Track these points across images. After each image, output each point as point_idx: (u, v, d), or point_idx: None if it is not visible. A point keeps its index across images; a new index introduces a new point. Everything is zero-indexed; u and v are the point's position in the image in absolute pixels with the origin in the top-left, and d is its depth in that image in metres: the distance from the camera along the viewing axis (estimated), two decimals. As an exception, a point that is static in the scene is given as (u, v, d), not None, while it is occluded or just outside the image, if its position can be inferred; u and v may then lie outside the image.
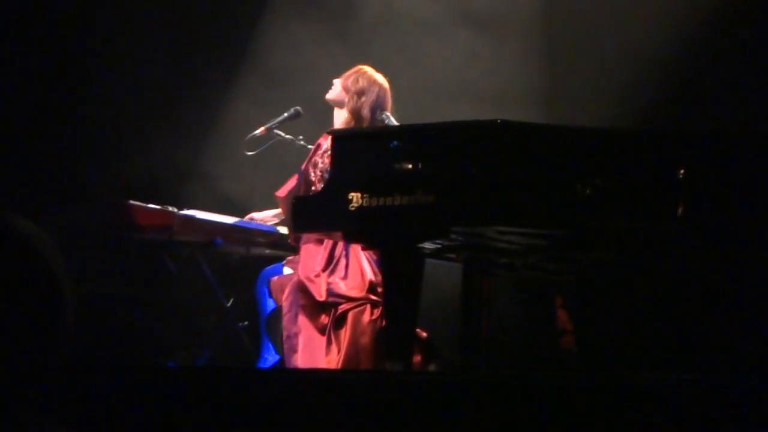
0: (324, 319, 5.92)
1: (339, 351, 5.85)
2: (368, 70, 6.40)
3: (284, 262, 6.42)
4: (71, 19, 7.61)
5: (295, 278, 6.04)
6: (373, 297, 5.91)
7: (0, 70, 7.33)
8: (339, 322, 5.88)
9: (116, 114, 7.72)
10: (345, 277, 6.01)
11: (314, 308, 5.94)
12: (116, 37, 7.71)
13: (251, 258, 6.95)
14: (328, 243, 6.07)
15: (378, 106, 6.28)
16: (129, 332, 7.43)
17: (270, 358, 6.42)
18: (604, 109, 7.44)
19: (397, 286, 4.96)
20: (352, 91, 6.30)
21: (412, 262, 4.93)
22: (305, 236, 6.16)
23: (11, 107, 7.36)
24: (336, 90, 6.37)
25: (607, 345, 6.02)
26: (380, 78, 6.36)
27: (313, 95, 6.77)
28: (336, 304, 5.91)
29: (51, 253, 1.87)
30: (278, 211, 6.68)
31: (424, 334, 5.97)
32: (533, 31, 7.96)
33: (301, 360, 5.87)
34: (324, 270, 6.05)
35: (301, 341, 5.91)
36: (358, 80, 6.32)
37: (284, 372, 5.74)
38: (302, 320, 5.93)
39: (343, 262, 6.05)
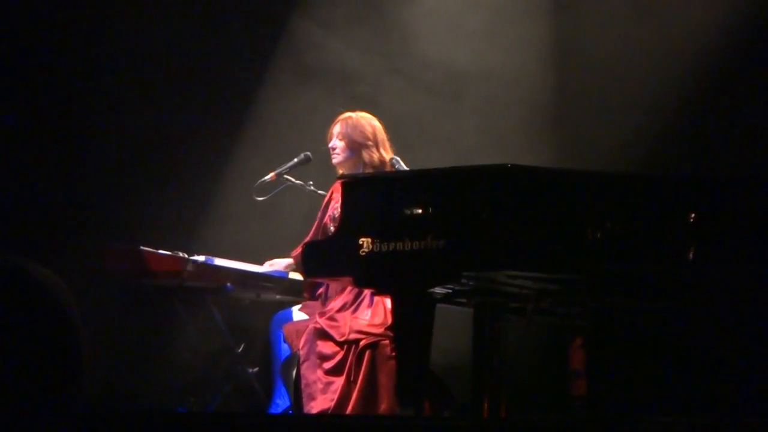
0: (341, 357, 5.89)
1: (355, 386, 5.82)
2: (353, 114, 6.36)
3: (299, 306, 6.41)
4: (79, 63, 7.67)
5: (312, 325, 6.02)
6: (393, 333, 5.86)
7: (11, 116, 7.37)
8: (360, 358, 5.85)
9: (127, 160, 7.75)
10: (368, 315, 5.98)
11: (333, 351, 5.91)
12: (125, 81, 7.75)
13: (262, 304, 6.94)
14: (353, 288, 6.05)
15: (385, 142, 6.28)
16: (140, 378, 7.42)
17: (281, 403, 6.40)
18: (614, 154, 7.45)
19: (408, 332, 4.95)
20: (359, 142, 6.24)
21: (422, 307, 4.92)
22: (332, 287, 6.15)
23: (23, 154, 7.39)
24: (341, 151, 6.29)
25: (617, 389, 6.00)
26: (367, 114, 6.36)
27: (322, 141, 6.78)
28: (357, 341, 5.88)
29: (67, 301, 1.88)
30: (290, 261, 6.62)
31: (439, 379, 5.95)
32: (541, 76, 7.97)
33: (320, 406, 5.83)
34: (348, 308, 6.03)
35: (320, 388, 5.88)
36: (357, 129, 6.26)
37: (295, 417, 5.73)
38: (320, 368, 5.90)
39: (367, 300, 6.04)
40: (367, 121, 6.31)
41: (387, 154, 6.26)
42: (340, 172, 6.36)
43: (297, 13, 8.17)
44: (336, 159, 6.33)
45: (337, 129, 6.32)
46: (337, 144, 6.30)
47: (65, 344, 1.89)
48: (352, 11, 8.11)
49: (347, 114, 6.36)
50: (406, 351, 4.99)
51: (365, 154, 6.23)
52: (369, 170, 6.22)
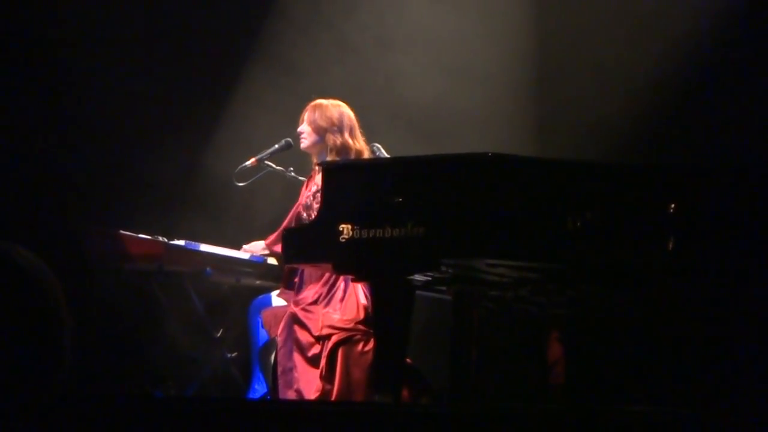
0: (317, 351, 5.88)
1: (333, 384, 5.81)
2: (323, 101, 6.38)
3: (278, 292, 6.41)
4: (61, 45, 7.64)
5: (290, 311, 6.02)
6: (364, 328, 5.88)
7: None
8: (332, 355, 5.85)
9: (107, 144, 7.71)
10: (340, 308, 5.98)
11: (309, 342, 5.91)
12: (106, 64, 7.71)
13: (241, 288, 6.94)
14: (328, 277, 6.04)
15: (353, 128, 6.29)
16: (117, 362, 7.40)
17: (259, 388, 6.40)
18: (595, 144, 7.46)
19: (387, 319, 4.96)
20: (324, 127, 6.26)
21: (402, 295, 4.93)
22: (306, 275, 6.15)
23: (2, 137, 7.36)
24: (307, 135, 6.33)
25: (595, 378, 6.01)
26: (339, 102, 6.37)
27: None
28: (329, 336, 5.88)
29: (50, 283, 1.87)
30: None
31: (415, 367, 5.95)
32: (524, 63, 7.97)
33: (296, 395, 5.84)
34: (322, 301, 6.03)
35: (296, 376, 5.88)
36: (324, 114, 6.29)
37: (273, 403, 5.72)
38: (297, 355, 5.91)
39: (339, 293, 6.03)
40: (335, 107, 6.34)
41: (354, 140, 6.27)
42: (313, 157, 6.38)
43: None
44: (303, 144, 6.38)
45: (306, 115, 6.36)
46: (304, 129, 6.36)
47: (46, 327, 1.89)
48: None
49: (318, 101, 6.39)
50: (384, 338, 5.01)
51: (329, 138, 6.26)
52: (333, 154, 6.23)
